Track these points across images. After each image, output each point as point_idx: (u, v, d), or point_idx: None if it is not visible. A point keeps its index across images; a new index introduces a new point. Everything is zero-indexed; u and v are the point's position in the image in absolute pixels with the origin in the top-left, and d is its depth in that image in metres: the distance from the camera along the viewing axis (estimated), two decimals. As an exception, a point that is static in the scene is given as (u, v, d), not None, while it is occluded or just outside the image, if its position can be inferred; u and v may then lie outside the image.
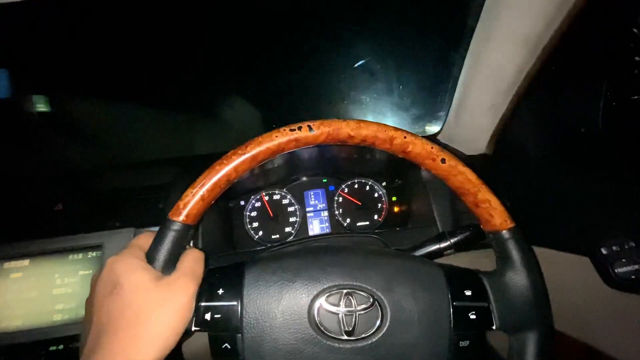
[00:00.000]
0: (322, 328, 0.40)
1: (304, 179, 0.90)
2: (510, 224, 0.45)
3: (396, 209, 0.87)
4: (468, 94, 0.72)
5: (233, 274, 0.43)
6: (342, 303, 0.40)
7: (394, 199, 0.88)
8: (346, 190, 0.89)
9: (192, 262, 0.40)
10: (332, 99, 0.98)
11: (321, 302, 0.40)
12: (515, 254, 0.44)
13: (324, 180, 0.90)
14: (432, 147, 0.43)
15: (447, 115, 0.84)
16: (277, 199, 0.88)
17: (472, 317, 0.42)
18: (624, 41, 0.51)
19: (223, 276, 0.43)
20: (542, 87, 0.63)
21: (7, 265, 0.61)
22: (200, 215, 0.41)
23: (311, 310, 0.40)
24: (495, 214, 0.44)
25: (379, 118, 0.99)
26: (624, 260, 0.48)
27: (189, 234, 0.41)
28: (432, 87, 0.87)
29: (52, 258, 0.62)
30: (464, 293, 0.43)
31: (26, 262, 0.61)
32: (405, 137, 0.43)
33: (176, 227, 0.39)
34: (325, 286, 0.41)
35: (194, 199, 0.39)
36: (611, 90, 0.58)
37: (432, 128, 0.93)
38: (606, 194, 0.56)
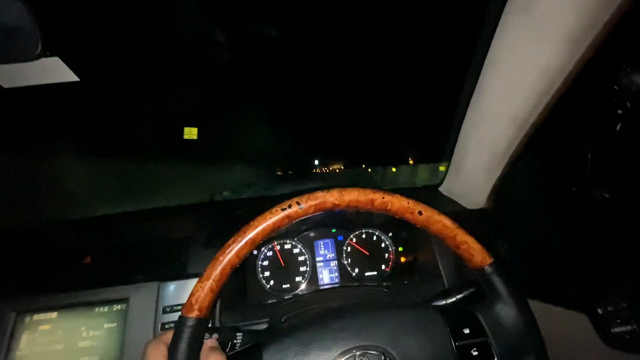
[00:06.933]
0: None
1: (314, 229, 0.94)
2: (489, 260, 0.50)
3: (403, 259, 0.91)
4: (465, 155, 0.79)
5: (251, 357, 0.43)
6: None
7: (400, 249, 0.91)
8: (354, 240, 0.93)
9: None
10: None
11: None
12: (499, 286, 0.49)
13: (332, 231, 0.94)
14: (408, 203, 0.48)
15: (447, 170, 0.91)
16: (288, 249, 0.92)
17: (475, 353, 0.45)
18: (607, 99, 0.57)
19: None
20: (533, 153, 0.69)
21: (37, 317, 0.64)
22: (212, 307, 0.43)
23: None
24: (474, 253, 0.50)
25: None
26: (618, 320, 0.52)
27: (204, 327, 0.42)
28: (434, 144, 0.95)
29: (80, 311, 0.65)
30: (463, 332, 0.47)
31: (54, 314, 0.64)
32: (383, 198, 0.48)
33: (191, 322, 0.40)
34: (338, 352, 0.43)
35: (203, 292, 0.41)
36: (597, 150, 0.65)
37: (434, 180, 1.00)
38: (598, 253, 0.61)
